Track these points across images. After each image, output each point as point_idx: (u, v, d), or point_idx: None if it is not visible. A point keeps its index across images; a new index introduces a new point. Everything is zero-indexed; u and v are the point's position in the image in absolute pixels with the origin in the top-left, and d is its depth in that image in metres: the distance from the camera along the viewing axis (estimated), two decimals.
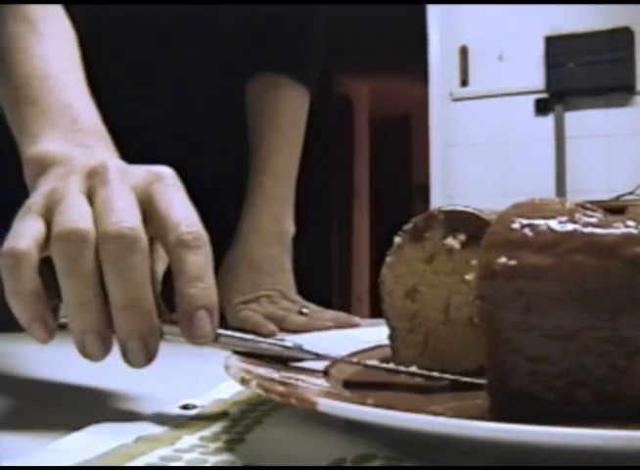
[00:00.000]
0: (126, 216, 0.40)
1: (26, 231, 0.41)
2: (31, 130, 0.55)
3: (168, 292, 0.42)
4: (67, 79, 0.59)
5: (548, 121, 3.35)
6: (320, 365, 0.42)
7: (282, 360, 0.41)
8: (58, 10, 0.64)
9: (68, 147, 0.52)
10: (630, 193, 2.85)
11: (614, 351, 0.29)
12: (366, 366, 0.43)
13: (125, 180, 0.43)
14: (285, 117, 0.98)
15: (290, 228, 0.98)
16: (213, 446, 0.32)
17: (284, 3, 1.06)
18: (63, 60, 0.61)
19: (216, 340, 0.40)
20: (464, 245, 0.44)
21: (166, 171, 0.45)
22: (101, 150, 0.53)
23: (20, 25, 0.62)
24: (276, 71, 0.99)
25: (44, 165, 0.50)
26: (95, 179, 0.43)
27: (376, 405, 0.27)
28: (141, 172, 0.45)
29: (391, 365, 0.44)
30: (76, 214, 0.40)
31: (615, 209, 0.32)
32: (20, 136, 0.56)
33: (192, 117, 0.99)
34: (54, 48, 0.61)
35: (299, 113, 1.01)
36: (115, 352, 0.38)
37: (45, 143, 0.53)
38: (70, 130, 0.54)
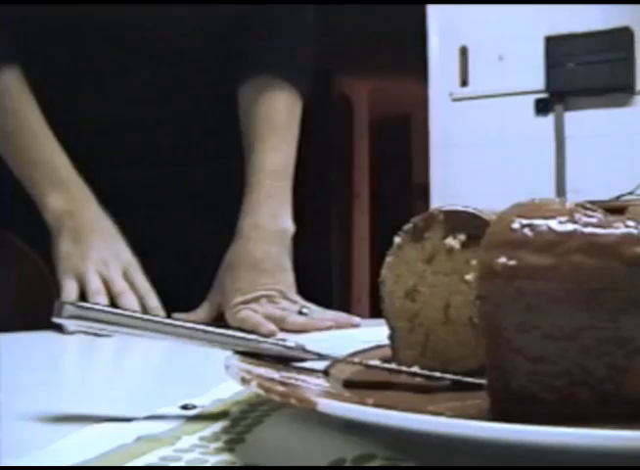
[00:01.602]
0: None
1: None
2: (40, 190, 0.90)
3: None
4: (54, 149, 0.91)
5: (548, 121, 3.35)
6: (320, 365, 0.42)
7: (282, 360, 0.41)
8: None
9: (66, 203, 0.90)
10: (630, 193, 2.85)
11: (614, 351, 0.29)
12: (367, 366, 0.43)
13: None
14: (279, 119, 0.99)
15: (289, 227, 0.98)
16: (213, 446, 0.32)
17: (283, 3, 1.06)
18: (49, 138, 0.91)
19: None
20: (464, 245, 0.44)
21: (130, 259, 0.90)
22: (86, 203, 0.91)
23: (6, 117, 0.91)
24: (268, 75, 0.99)
25: (57, 217, 0.89)
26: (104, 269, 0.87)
27: (376, 405, 0.27)
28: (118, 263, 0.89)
29: (393, 365, 0.44)
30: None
31: (615, 209, 0.32)
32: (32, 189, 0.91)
33: (189, 117, 1.00)
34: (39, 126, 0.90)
35: (293, 114, 1.01)
36: (116, 354, 0.38)
37: (52, 199, 0.90)
38: (65, 190, 0.90)
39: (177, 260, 1.02)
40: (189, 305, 0.94)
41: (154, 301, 0.88)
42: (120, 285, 0.86)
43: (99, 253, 0.87)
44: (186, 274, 1.01)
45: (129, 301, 0.84)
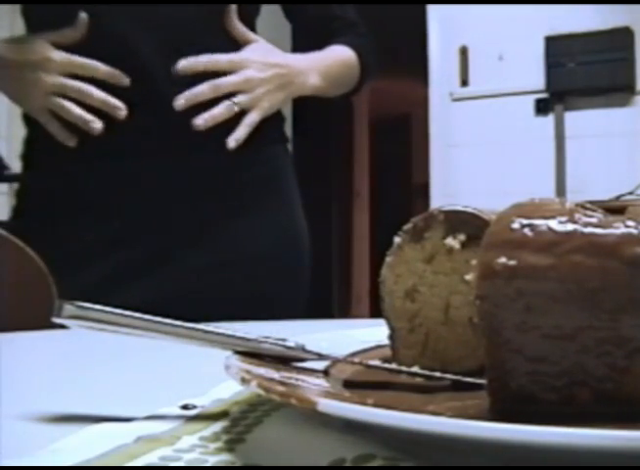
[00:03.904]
0: None
1: None
2: None
3: None
4: None
5: (548, 121, 3.35)
6: (320, 365, 0.42)
7: (282, 360, 0.41)
8: None
9: None
10: (630, 193, 2.85)
11: (614, 351, 0.29)
12: (367, 366, 0.43)
13: None
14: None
15: None
16: (213, 446, 0.32)
17: (285, 3, 1.07)
18: None
19: None
20: (464, 245, 0.44)
21: None
22: None
23: None
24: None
25: None
26: None
27: (376, 405, 0.27)
28: None
29: (393, 365, 0.44)
30: None
31: (615, 209, 0.32)
32: None
33: None
34: None
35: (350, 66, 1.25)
36: (116, 354, 0.38)
37: None
38: None
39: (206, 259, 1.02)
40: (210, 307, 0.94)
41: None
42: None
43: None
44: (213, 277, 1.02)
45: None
